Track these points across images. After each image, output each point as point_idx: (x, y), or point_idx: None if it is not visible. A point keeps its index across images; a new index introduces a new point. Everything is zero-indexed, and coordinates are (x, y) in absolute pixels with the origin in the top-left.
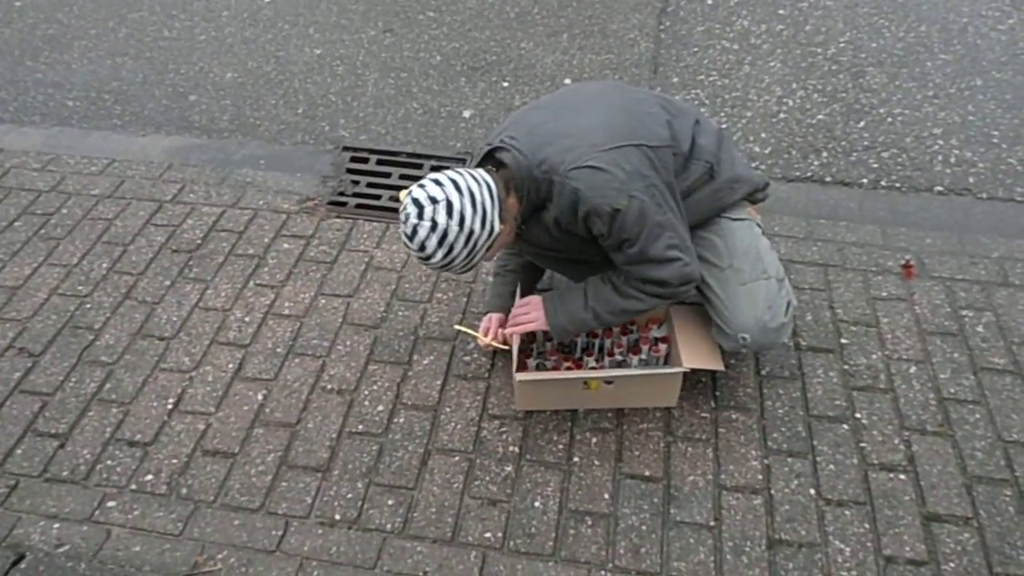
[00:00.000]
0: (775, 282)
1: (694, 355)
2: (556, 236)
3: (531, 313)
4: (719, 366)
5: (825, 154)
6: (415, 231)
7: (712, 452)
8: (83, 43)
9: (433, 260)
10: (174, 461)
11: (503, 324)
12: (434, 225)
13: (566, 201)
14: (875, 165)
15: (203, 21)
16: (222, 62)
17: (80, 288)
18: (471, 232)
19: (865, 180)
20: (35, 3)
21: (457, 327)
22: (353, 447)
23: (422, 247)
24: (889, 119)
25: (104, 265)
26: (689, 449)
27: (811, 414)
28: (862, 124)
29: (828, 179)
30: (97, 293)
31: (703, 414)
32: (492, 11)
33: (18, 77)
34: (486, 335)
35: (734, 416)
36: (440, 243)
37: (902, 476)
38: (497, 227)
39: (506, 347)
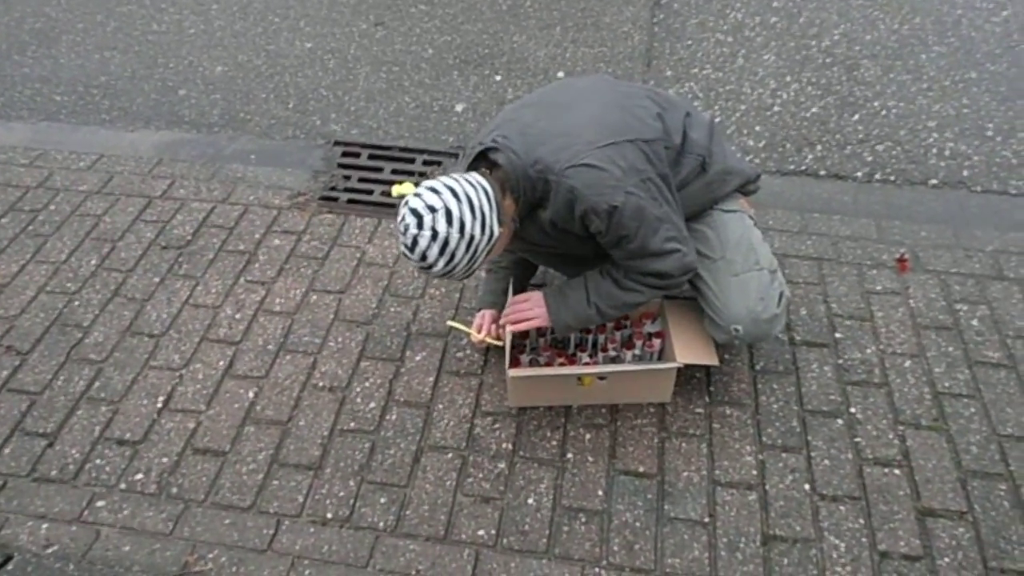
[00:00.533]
0: (767, 273)
1: (688, 350)
2: (552, 234)
3: (533, 309)
4: (713, 361)
5: (819, 147)
6: (415, 241)
7: (706, 448)
8: (71, 37)
9: (435, 269)
10: (164, 460)
11: (496, 320)
12: (434, 234)
13: (562, 200)
14: (869, 158)
15: (192, 15)
16: (212, 56)
17: (68, 285)
18: (472, 238)
19: (859, 173)
20: None
21: (450, 323)
22: (345, 445)
23: (423, 257)
24: (883, 112)
25: (92, 262)
26: (683, 445)
27: (805, 409)
28: (856, 117)
29: (822, 172)
30: (85, 290)
31: (697, 410)
32: (484, 4)
33: (5, 72)
34: (479, 331)
35: (728, 411)
36: (441, 252)
37: (897, 471)
38: (496, 231)
39: (499, 343)
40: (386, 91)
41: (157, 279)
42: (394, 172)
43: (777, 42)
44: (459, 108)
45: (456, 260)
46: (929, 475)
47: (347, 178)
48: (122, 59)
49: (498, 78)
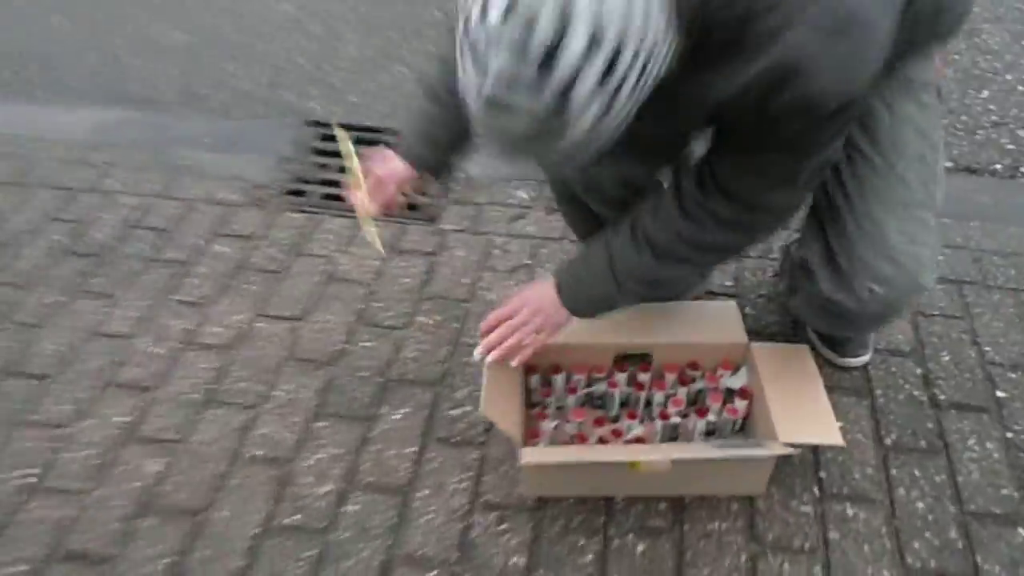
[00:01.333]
0: (935, 223)
1: (795, 422)
2: (686, 117)
3: (535, 319)
4: (836, 439)
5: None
6: (553, 56)
7: (821, 570)
8: (14, 1)
9: (587, 115)
10: (18, 569)
11: (414, 187)
12: (595, 39)
13: (765, 72)
14: (1010, 146)
15: None
16: (172, 21)
17: None
18: (655, 43)
19: (999, 166)
20: None
21: (338, 130)
22: (281, 550)
23: (566, 93)
24: (1021, 87)
25: None
26: (785, 566)
27: (967, 511)
28: (986, 94)
29: (949, 164)
30: None
31: (803, 508)
32: None
33: None
34: (375, 192)
35: (850, 511)
36: (606, 75)
37: None
38: (672, 46)
39: (378, 244)
40: (378, 60)
41: (61, 297)
42: None
43: None
44: None
45: (620, 98)
46: None
47: (322, 167)
48: (69, 26)
49: None
